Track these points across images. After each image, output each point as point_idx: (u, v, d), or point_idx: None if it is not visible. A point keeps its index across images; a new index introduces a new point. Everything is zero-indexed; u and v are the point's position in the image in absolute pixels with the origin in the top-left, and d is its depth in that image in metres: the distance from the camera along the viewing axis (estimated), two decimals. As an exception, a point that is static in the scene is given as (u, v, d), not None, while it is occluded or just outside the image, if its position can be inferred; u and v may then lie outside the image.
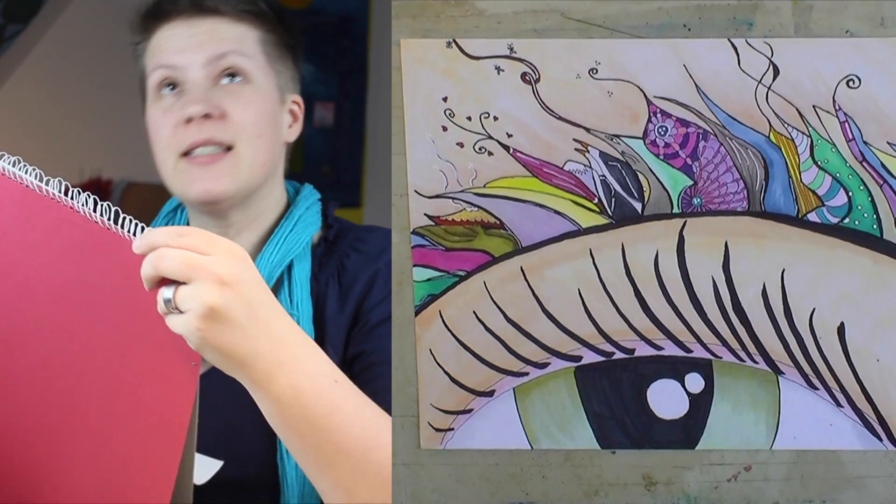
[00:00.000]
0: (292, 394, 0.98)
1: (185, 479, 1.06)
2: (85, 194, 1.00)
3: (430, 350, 1.33)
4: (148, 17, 1.31)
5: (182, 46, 1.28)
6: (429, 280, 1.32)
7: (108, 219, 0.98)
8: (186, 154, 1.26)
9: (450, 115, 1.28)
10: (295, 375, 0.97)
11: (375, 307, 1.25)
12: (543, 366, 1.32)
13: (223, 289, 0.93)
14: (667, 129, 1.26)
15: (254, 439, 1.26)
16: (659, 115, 1.26)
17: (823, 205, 1.26)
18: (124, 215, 0.97)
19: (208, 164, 1.25)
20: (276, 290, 1.30)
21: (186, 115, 1.25)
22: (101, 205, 1.00)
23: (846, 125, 1.24)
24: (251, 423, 1.25)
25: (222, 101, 1.26)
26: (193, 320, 0.93)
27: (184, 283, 0.93)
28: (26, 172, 1.05)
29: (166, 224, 1.38)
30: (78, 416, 1.05)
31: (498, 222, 1.30)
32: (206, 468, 1.24)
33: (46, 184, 1.04)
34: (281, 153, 1.33)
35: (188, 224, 1.37)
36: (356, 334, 1.26)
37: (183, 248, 0.94)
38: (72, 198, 1.01)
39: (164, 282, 0.94)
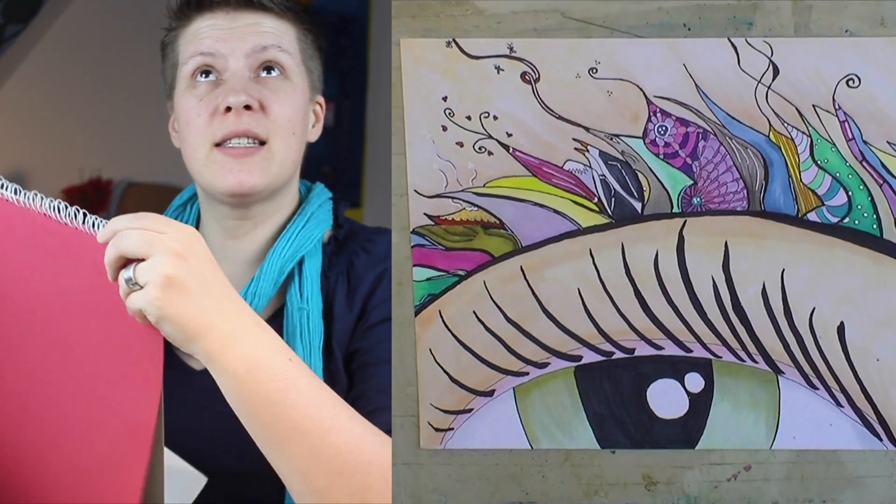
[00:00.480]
0: (246, 367, 1.01)
1: (155, 479, 1.08)
2: (57, 201, 1.03)
3: (430, 350, 1.33)
4: (189, 4, 1.31)
5: (224, 36, 1.28)
6: (429, 280, 1.32)
7: (81, 221, 1.00)
8: (219, 144, 1.26)
9: (450, 114, 1.28)
10: (248, 348, 1.01)
11: (377, 307, 1.26)
12: (543, 365, 1.32)
13: (178, 260, 0.98)
14: (666, 128, 1.26)
15: None
16: (659, 115, 1.26)
17: (823, 204, 1.26)
18: (92, 216, 1.01)
19: (242, 156, 1.26)
20: (287, 284, 1.31)
21: (227, 103, 1.25)
22: (71, 209, 1.02)
23: (846, 125, 1.24)
24: None
25: (262, 94, 1.27)
26: (151, 290, 0.97)
27: (142, 261, 0.98)
28: (2, 187, 1.08)
29: (176, 216, 1.39)
30: (57, 420, 1.08)
31: (498, 222, 1.30)
32: (191, 484, 1.26)
33: (24, 196, 1.07)
34: (302, 152, 1.34)
35: (199, 218, 1.38)
36: (356, 332, 1.27)
37: (141, 229, 0.99)
38: (48, 207, 1.05)
39: (126, 266, 0.99)
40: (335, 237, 1.34)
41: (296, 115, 1.29)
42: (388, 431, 1.16)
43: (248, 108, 1.25)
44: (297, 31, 1.31)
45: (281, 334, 1.29)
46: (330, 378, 1.28)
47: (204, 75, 1.28)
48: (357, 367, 1.26)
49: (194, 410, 1.31)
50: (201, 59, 1.28)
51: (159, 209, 1.49)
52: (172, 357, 1.33)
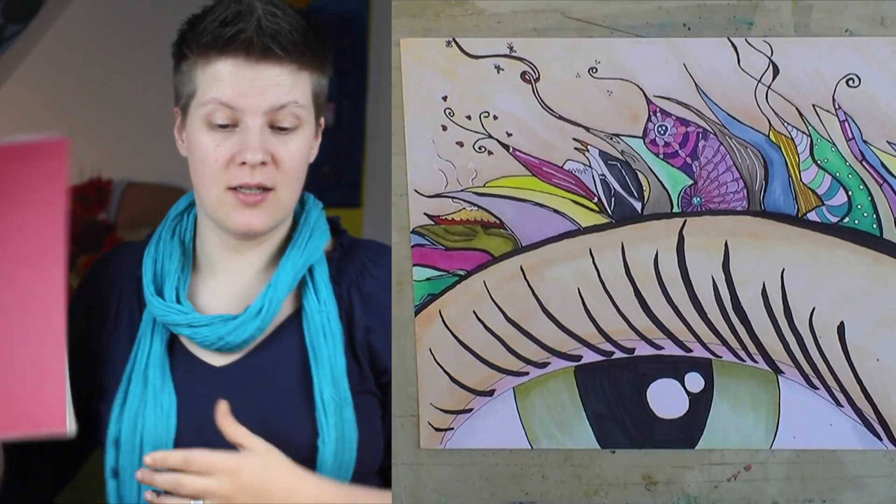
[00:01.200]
0: None
1: None
2: None
3: (430, 350, 1.33)
4: (213, 47, 1.33)
5: (245, 90, 1.32)
6: (429, 280, 1.32)
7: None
8: (232, 189, 1.33)
9: (449, 114, 1.28)
10: None
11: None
12: (543, 365, 1.32)
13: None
14: (666, 128, 1.26)
15: (291, 426, 1.34)
16: (659, 115, 1.26)
17: (823, 204, 1.26)
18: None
19: (252, 203, 1.32)
20: (301, 290, 1.39)
21: (244, 159, 1.31)
22: None
23: (846, 124, 1.24)
24: (287, 410, 1.34)
25: (275, 148, 1.32)
26: None
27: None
28: None
29: (174, 229, 1.44)
30: None
31: (498, 222, 1.30)
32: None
33: None
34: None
35: (195, 226, 1.44)
36: (381, 351, 1.36)
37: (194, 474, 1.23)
38: None
39: None
40: (340, 244, 1.40)
41: (302, 163, 1.35)
42: None
43: (263, 164, 1.31)
44: (313, 77, 1.36)
45: (301, 337, 1.36)
46: (358, 377, 1.35)
47: (221, 124, 1.33)
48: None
49: (214, 405, 1.37)
50: (221, 110, 1.33)
51: (159, 209, 1.52)
52: (190, 356, 1.39)
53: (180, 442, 1.37)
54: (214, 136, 1.33)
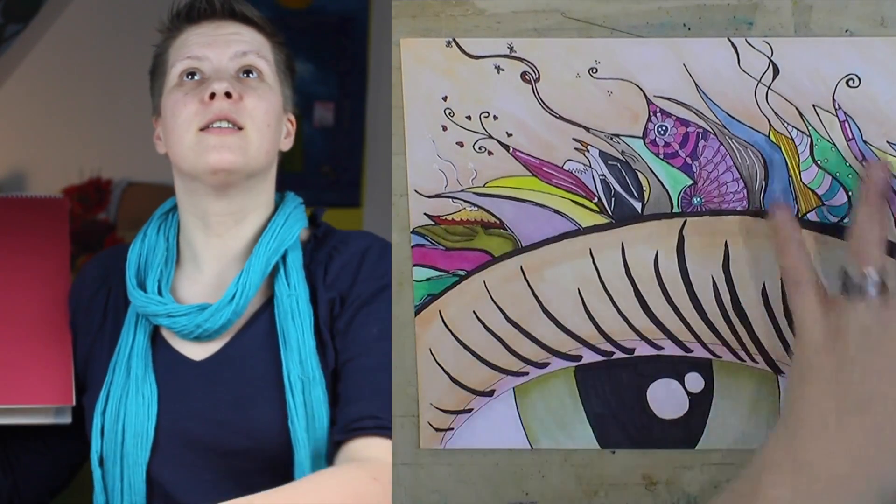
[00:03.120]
0: None
1: None
2: None
3: (430, 350, 1.33)
4: (179, 18, 1.48)
5: (210, 42, 1.45)
6: (429, 280, 1.32)
7: None
8: (203, 129, 1.41)
9: (450, 114, 1.28)
10: None
11: (359, 283, 1.42)
12: (543, 365, 1.32)
13: None
14: (666, 128, 1.26)
15: (265, 411, 1.39)
16: (659, 115, 1.26)
17: (823, 204, 1.26)
18: None
19: (224, 134, 1.40)
20: (273, 275, 1.45)
21: (211, 89, 1.40)
22: None
23: (846, 124, 1.24)
24: (261, 396, 1.38)
25: (242, 88, 1.43)
26: None
27: None
28: None
29: (159, 226, 1.51)
30: None
31: (498, 222, 1.30)
32: None
33: None
34: (276, 156, 1.50)
35: (178, 225, 1.51)
36: (340, 317, 1.42)
37: None
38: None
39: None
40: (315, 235, 1.48)
41: (270, 111, 1.45)
42: (359, 420, 1.37)
43: (228, 95, 1.41)
44: (272, 45, 1.50)
45: (273, 323, 1.42)
46: (324, 362, 1.39)
47: (190, 76, 1.45)
48: (342, 361, 1.41)
49: (198, 397, 1.44)
50: (189, 62, 1.45)
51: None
52: (171, 349, 1.44)
53: (160, 431, 1.42)
54: (183, 88, 1.44)
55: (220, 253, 1.46)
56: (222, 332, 1.42)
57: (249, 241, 1.47)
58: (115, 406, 1.41)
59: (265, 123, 1.44)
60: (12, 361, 1.41)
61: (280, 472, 1.37)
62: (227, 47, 1.45)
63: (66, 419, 1.42)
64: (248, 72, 1.45)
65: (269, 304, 1.44)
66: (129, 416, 1.40)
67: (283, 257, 1.44)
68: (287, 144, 1.52)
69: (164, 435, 1.38)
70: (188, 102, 1.42)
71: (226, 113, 1.41)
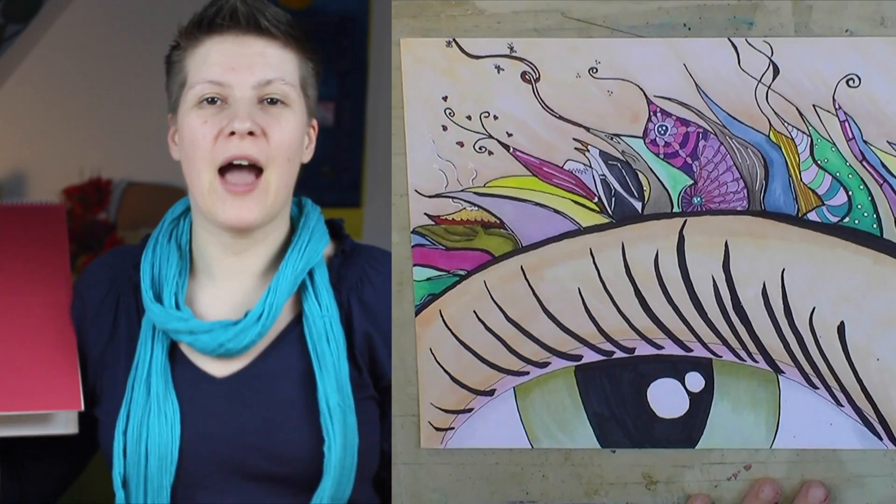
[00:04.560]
0: None
1: None
2: None
3: (431, 349, 1.33)
4: (200, 26, 1.38)
5: (233, 65, 1.35)
6: (429, 280, 1.32)
7: None
8: (222, 171, 1.34)
9: (450, 114, 1.28)
10: None
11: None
12: (544, 365, 1.32)
13: None
14: (667, 128, 1.26)
15: (296, 436, 1.35)
16: (659, 115, 1.26)
17: (823, 204, 1.26)
18: None
19: (242, 193, 1.34)
20: (301, 294, 1.39)
21: (232, 128, 1.33)
22: None
23: (846, 124, 1.24)
24: (292, 420, 1.34)
25: (265, 120, 1.35)
26: None
27: None
28: None
29: (170, 233, 1.44)
30: None
31: (498, 222, 1.30)
32: None
33: None
34: (296, 177, 1.42)
35: (192, 230, 1.43)
36: (381, 358, 1.39)
37: None
38: None
39: None
40: (342, 250, 1.42)
41: (293, 141, 1.37)
42: None
43: (252, 133, 1.34)
44: (299, 59, 1.39)
45: (302, 344, 1.37)
46: (358, 383, 1.36)
47: (210, 101, 1.36)
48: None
49: (223, 418, 1.38)
50: (210, 87, 1.35)
51: (159, 209, 1.53)
52: (191, 365, 1.39)
53: (184, 452, 1.36)
54: (203, 113, 1.35)
55: (238, 270, 1.41)
56: (245, 352, 1.37)
57: (270, 259, 1.41)
58: (137, 426, 1.36)
59: (286, 158, 1.37)
60: (17, 368, 1.39)
61: (303, 496, 1.34)
62: (250, 74, 1.36)
63: (73, 429, 1.38)
64: (272, 100, 1.37)
65: (296, 323, 1.39)
66: (151, 436, 1.35)
67: (310, 274, 1.39)
68: (308, 155, 1.44)
69: (189, 457, 1.35)
70: (206, 133, 1.35)
71: (245, 153, 1.34)
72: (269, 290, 1.37)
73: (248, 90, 1.35)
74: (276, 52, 1.38)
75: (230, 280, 1.41)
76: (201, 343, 1.36)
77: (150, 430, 1.35)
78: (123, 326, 1.42)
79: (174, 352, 1.39)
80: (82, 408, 1.38)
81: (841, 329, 1.28)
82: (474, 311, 1.32)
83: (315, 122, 1.45)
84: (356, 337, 1.37)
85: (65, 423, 1.39)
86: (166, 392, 1.36)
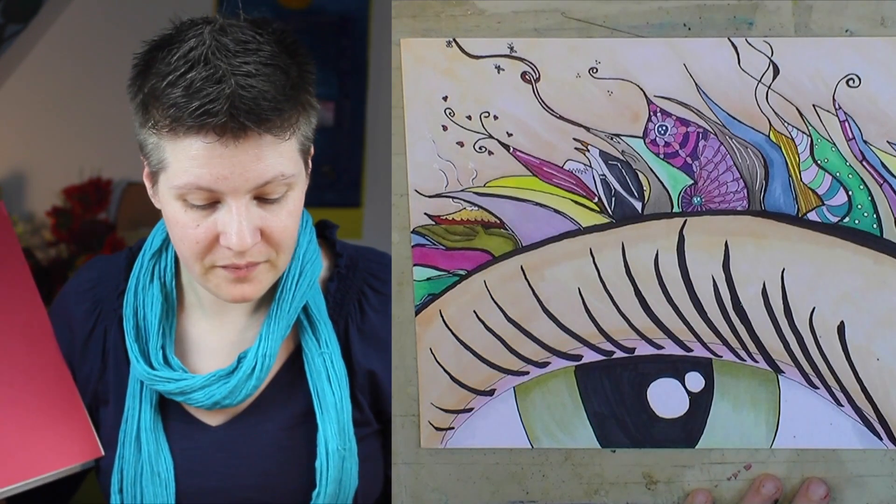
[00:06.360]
0: None
1: None
2: None
3: (431, 349, 1.33)
4: (179, 121, 1.18)
5: (224, 173, 1.18)
6: (429, 279, 1.32)
7: None
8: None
9: (450, 114, 1.28)
10: None
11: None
12: (544, 365, 1.32)
13: None
14: (667, 128, 1.26)
15: (293, 486, 1.31)
16: (659, 115, 1.26)
17: (823, 204, 1.26)
18: None
19: (244, 277, 1.23)
20: (297, 331, 1.33)
21: (229, 245, 1.21)
22: None
23: (846, 124, 1.24)
24: (292, 469, 1.31)
25: (265, 221, 1.22)
26: None
27: None
28: None
29: (152, 268, 1.32)
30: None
31: (498, 221, 1.30)
32: None
33: None
34: None
35: (176, 265, 1.34)
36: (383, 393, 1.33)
37: None
38: None
39: None
40: (338, 272, 1.35)
41: (297, 218, 1.26)
42: None
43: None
44: (297, 133, 1.25)
45: (302, 383, 1.32)
46: (360, 421, 1.32)
47: (200, 206, 1.22)
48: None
49: (217, 472, 1.33)
50: (198, 194, 1.20)
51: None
52: (184, 414, 1.34)
53: None
54: (193, 216, 1.20)
55: (231, 307, 1.33)
56: (240, 404, 1.30)
57: (265, 294, 1.32)
58: (131, 486, 1.30)
59: (290, 244, 1.25)
60: (27, 425, 1.26)
61: None
62: (244, 180, 1.18)
63: (91, 463, 1.31)
64: (271, 199, 1.23)
65: (294, 359, 1.33)
66: (146, 496, 1.29)
67: (305, 309, 1.31)
68: (307, 183, 1.32)
69: None
70: (200, 238, 1.20)
71: (246, 262, 1.22)
72: (259, 338, 1.29)
73: (243, 196, 1.20)
74: (273, 149, 1.21)
75: (223, 316, 1.35)
76: (194, 401, 1.29)
77: (145, 491, 1.30)
78: (112, 366, 1.36)
79: (164, 402, 1.32)
80: (103, 453, 1.30)
81: (841, 329, 1.28)
82: (474, 311, 1.32)
83: (312, 150, 1.32)
84: (357, 377, 1.31)
85: (83, 463, 1.32)
86: (158, 449, 1.29)
